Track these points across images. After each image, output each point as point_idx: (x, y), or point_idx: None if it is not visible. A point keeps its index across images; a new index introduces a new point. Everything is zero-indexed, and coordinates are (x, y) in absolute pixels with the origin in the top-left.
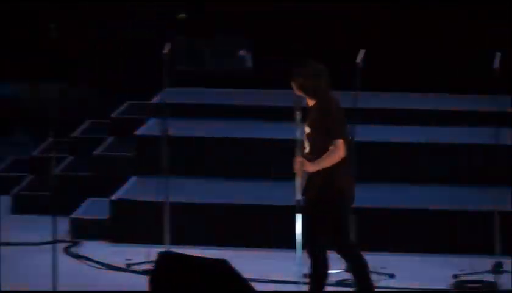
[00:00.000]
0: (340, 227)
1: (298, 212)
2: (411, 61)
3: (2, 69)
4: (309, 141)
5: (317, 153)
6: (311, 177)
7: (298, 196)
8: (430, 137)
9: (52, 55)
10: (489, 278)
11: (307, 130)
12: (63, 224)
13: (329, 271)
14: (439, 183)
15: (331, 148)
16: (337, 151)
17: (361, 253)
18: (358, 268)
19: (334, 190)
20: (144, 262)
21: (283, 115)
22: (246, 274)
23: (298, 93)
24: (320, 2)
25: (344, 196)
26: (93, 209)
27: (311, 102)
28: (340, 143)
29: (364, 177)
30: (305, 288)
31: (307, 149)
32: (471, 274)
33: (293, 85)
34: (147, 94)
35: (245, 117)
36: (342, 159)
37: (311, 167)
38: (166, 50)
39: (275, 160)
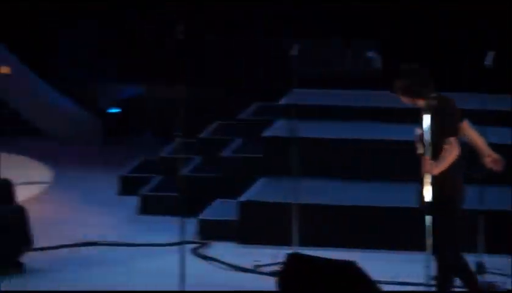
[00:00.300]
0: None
1: (428, 214)
2: None
3: (133, 70)
4: (426, 142)
5: (433, 153)
6: (433, 178)
7: (428, 198)
8: None
9: (179, 55)
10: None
11: (423, 130)
12: (191, 226)
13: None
14: None
15: (446, 146)
16: (453, 149)
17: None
18: (460, 272)
19: (453, 191)
20: (272, 264)
21: (411, 116)
22: (374, 276)
23: (405, 96)
24: (445, 4)
25: (460, 197)
26: (221, 210)
27: (419, 103)
28: (453, 140)
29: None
30: (433, 290)
31: (422, 150)
32: None
33: (398, 88)
34: (274, 95)
35: (372, 119)
36: (457, 157)
37: (437, 169)
38: (294, 52)
39: (399, 162)
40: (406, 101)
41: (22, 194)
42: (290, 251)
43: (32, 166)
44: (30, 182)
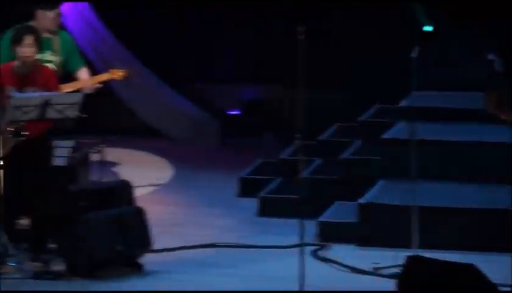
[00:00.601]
0: None
1: None
2: None
3: (252, 71)
4: None
5: None
6: None
7: None
8: None
9: (299, 56)
10: None
11: None
12: (311, 228)
13: None
14: None
15: None
16: None
17: None
18: None
19: None
20: (391, 266)
21: None
22: (494, 280)
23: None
24: None
25: None
26: (341, 212)
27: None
28: None
29: None
30: None
31: None
32: None
33: (489, 101)
34: (395, 97)
35: (492, 121)
36: None
37: None
38: (414, 54)
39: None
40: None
41: (141, 194)
42: (410, 254)
43: (151, 166)
44: (149, 183)
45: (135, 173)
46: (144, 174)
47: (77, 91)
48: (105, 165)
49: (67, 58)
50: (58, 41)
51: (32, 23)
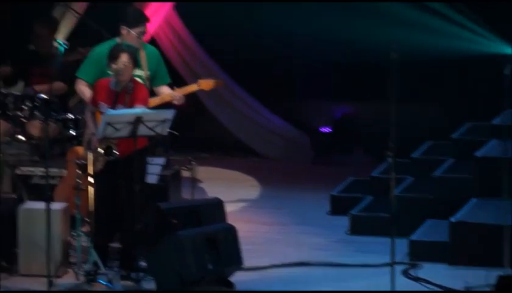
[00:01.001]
0: None
1: None
2: None
3: (344, 89)
4: None
5: None
6: None
7: None
8: None
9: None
10: None
11: None
12: (402, 246)
13: None
14: None
15: None
16: None
17: None
18: None
19: None
20: (483, 286)
21: None
22: None
23: None
24: None
25: None
26: (432, 230)
27: None
28: None
29: None
30: None
31: None
32: None
33: None
34: (487, 114)
35: None
36: None
37: None
38: (506, 71)
39: None
40: None
41: (231, 212)
42: (502, 273)
43: (240, 184)
44: (239, 201)
45: (224, 191)
46: (233, 192)
47: (166, 104)
48: (196, 182)
49: (153, 73)
50: (145, 56)
51: (117, 39)
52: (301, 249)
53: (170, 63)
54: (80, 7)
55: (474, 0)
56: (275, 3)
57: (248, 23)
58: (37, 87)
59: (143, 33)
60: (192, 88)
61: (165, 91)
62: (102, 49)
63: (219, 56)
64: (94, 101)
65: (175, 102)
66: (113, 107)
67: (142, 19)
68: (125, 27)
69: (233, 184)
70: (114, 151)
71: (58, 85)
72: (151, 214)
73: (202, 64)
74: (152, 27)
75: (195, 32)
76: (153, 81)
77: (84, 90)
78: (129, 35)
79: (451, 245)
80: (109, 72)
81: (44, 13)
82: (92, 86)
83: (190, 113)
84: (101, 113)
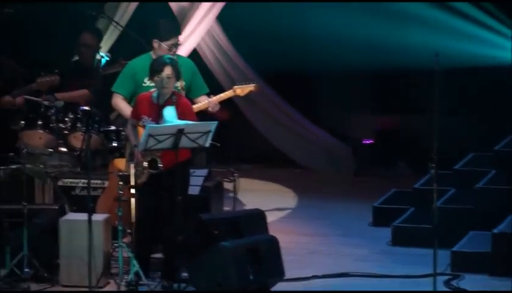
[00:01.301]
0: None
1: None
2: None
3: (387, 102)
4: None
5: None
6: None
7: None
8: None
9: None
10: None
11: None
12: (444, 257)
13: None
14: None
15: None
16: None
17: None
18: None
19: None
20: None
21: None
22: None
23: None
24: None
25: None
26: (475, 242)
27: None
28: None
29: None
30: None
31: None
32: None
33: None
34: None
35: None
36: None
37: None
38: None
39: None
40: None
41: (272, 223)
42: None
43: (282, 195)
44: (279, 212)
45: (265, 202)
46: (273, 202)
47: (203, 111)
48: (237, 194)
49: (189, 83)
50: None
51: (151, 53)
52: (343, 260)
53: (211, 73)
54: (122, 20)
55: None
56: (320, 14)
57: (294, 34)
58: (58, 95)
59: (176, 46)
60: (227, 94)
61: (203, 101)
62: (137, 63)
63: (262, 66)
64: (136, 115)
65: (210, 109)
66: (157, 121)
67: (174, 32)
68: (156, 40)
69: (273, 195)
70: (159, 164)
71: (80, 93)
72: (193, 225)
73: (242, 72)
74: (194, 40)
75: (236, 41)
76: (190, 92)
77: (120, 104)
78: (160, 48)
79: (492, 255)
80: (144, 85)
81: (90, 25)
82: (127, 99)
83: (232, 124)
84: (143, 126)
